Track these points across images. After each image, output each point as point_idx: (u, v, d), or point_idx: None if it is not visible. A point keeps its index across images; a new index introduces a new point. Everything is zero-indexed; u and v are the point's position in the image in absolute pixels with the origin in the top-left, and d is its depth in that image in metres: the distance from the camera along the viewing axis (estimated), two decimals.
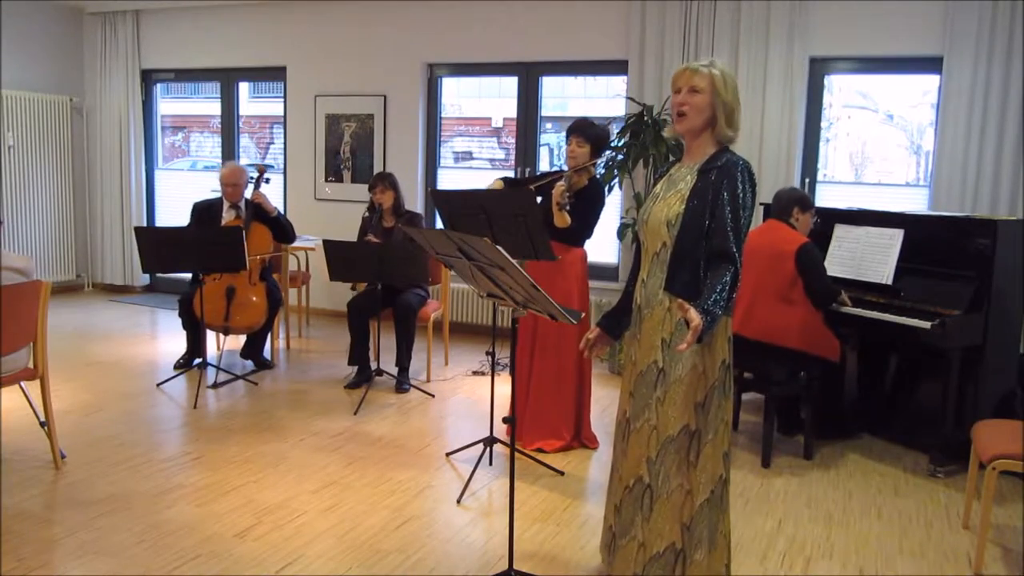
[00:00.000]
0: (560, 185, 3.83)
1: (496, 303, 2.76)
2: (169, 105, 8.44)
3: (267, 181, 5.54)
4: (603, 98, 6.85)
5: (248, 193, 5.43)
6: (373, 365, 5.16)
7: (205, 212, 5.49)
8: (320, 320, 7.16)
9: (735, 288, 2.33)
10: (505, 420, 2.84)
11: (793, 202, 4.18)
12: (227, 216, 5.45)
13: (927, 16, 5.19)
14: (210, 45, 7.67)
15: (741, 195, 2.36)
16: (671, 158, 5.21)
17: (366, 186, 6.97)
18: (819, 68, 5.63)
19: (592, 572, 2.92)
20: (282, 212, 5.59)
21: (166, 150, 8.46)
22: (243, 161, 7.82)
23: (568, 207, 3.81)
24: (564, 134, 4.08)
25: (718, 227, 2.34)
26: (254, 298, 5.24)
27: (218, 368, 5.21)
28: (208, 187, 5.54)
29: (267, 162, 7.97)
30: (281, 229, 5.44)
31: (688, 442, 2.42)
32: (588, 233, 4.05)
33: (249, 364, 5.56)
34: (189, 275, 5.58)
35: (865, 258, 4.28)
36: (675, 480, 2.43)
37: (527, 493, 3.58)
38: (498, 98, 7.07)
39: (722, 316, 2.31)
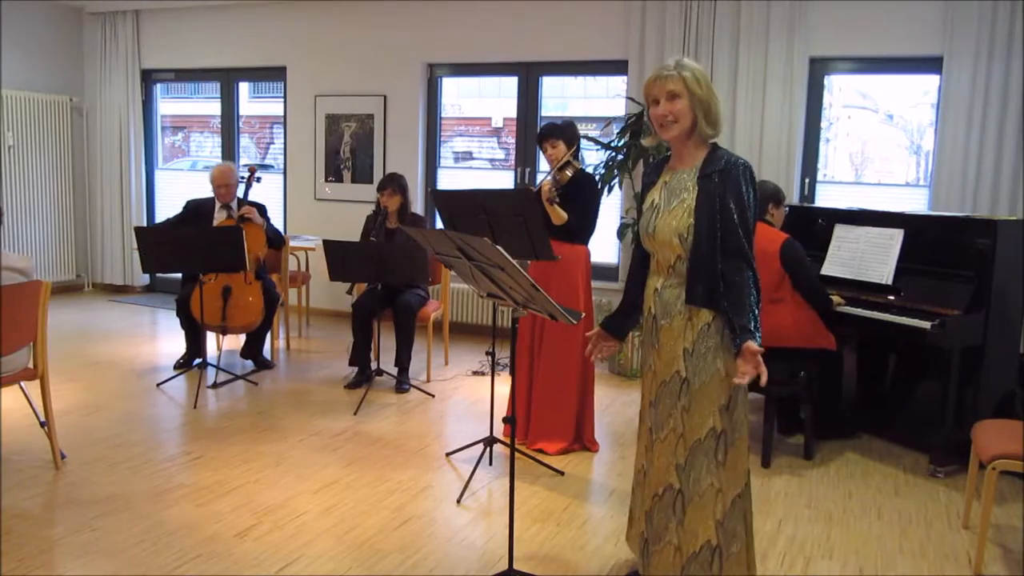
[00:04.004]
0: (546, 181, 3.93)
1: (496, 303, 2.76)
2: (169, 105, 8.44)
3: (258, 180, 5.54)
4: (603, 98, 6.85)
5: (240, 192, 5.44)
6: (373, 365, 5.15)
7: (193, 211, 5.49)
8: (320, 320, 7.16)
9: (759, 289, 2.38)
10: (505, 420, 2.84)
11: (767, 198, 4.16)
12: (219, 217, 5.44)
13: (927, 16, 5.19)
14: (210, 45, 7.67)
15: (746, 196, 2.37)
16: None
17: (366, 186, 7.04)
18: (819, 68, 5.63)
19: (592, 572, 2.92)
20: (271, 222, 5.58)
21: (166, 150, 8.46)
22: (243, 161, 7.83)
23: (557, 200, 3.90)
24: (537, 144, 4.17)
25: (730, 230, 2.36)
26: (250, 298, 5.24)
27: (218, 368, 5.21)
28: (208, 187, 5.54)
29: (267, 162, 7.99)
30: (268, 240, 5.44)
31: (716, 443, 2.44)
32: (589, 228, 4.05)
33: (249, 364, 5.56)
34: (186, 276, 5.59)
35: (865, 258, 4.28)
36: (706, 481, 2.45)
37: (527, 493, 3.58)
38: (498, 98, 7.07)
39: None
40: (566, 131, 4.00)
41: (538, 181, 3.95)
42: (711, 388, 2.42)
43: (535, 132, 6.62)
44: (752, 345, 2.30)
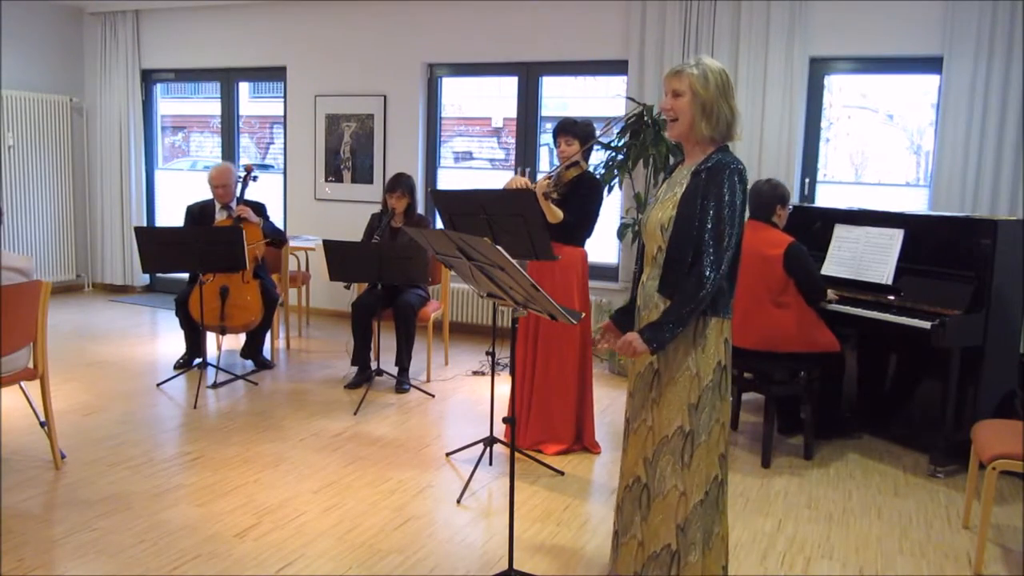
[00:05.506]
0: (544, 177, 3.92)
1: (496, 303, 2.76)
2: (169, 105, 8.44)
3: (255, 179, 5.54)
4: (603, 98, 6.85)
5: (238, 191, 5.44)
6: (373, 365, 5.15)
7: (199, 214, 5.49)
8: (320, 320, 7.16)
9: (698, 295, 2.31)
10: (505, 420, 2.84)
11: (775, 200, 4.08)
12: (219, 217, 5.44)
13: (927, 16, 5.19)
14: (210, 45, 7.67)
15: (728, 196, 2.32)
16: (671, 159, 5.23)
17: (366, 186, 7.06)
18: (819, 68, 5.63)
19: (592, 572, 2.92)
20: (270, 220, 5.58)
21: (166, 150, 8.46)
22: (243, 161, 7.83)
23: (553, 197, 3.89)
24: (552, 137, 4.14)
25: (699, 229, 2.34)
26: (248, 297, 5.23)
27: (218, 368, 5.21)
28: (206, 188, 5.54)
29: (267, 162, 7.99)
30: (268, 239, 5.44)
31: (682, 443, 2.43)
32: (587, 230, 4.04)
33: (249, 364, 5.56)
34: (187, 275, 5.59)
35: (865, 258, 4.28)
36: (670, 481, 2.45)
37: (527, 493, 3.58)
38: (498, 98, 7.07)
39: (681, 331, 2.35)
40: (583, 130, 3.98)
41: (538, 178, 3.93)
42: (681, 383, 2.42)
43: (535, 132, 6.63)
44: (632, 339, 2.35)
